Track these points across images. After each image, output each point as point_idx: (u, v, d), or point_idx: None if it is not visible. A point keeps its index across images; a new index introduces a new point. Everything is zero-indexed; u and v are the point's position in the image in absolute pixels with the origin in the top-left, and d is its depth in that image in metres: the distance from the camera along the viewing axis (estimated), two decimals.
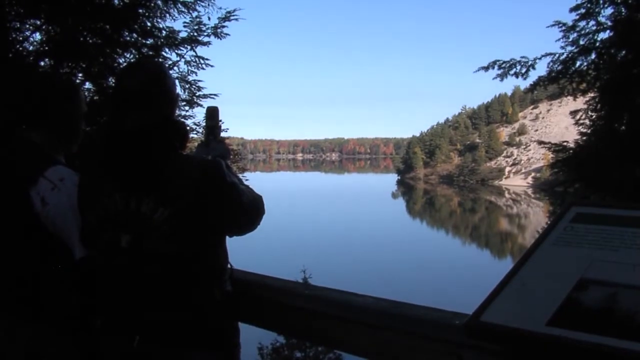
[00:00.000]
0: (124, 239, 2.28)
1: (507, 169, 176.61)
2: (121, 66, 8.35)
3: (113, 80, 7.90)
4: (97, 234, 2.35)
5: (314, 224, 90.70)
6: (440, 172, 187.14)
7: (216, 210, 2.31)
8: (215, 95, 10.16)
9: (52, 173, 2.56)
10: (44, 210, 2.49)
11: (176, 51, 9.40)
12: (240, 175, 2.62)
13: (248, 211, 2.44)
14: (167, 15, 9.17)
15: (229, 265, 2.53)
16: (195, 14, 9.42)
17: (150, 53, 8.76)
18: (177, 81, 9.60)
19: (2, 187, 2.60)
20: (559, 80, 13.15)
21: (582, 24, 12.37)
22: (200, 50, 9.65)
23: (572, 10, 12.29)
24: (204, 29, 9.51)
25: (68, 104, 2.82)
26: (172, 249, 2.25)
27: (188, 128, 2.51)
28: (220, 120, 2.98)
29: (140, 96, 2.34)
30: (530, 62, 13.54)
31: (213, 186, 2.29)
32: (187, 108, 9.82)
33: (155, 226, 2.24)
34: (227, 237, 2.49)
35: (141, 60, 4.35)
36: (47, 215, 2.50)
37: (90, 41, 8.25)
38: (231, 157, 2.90)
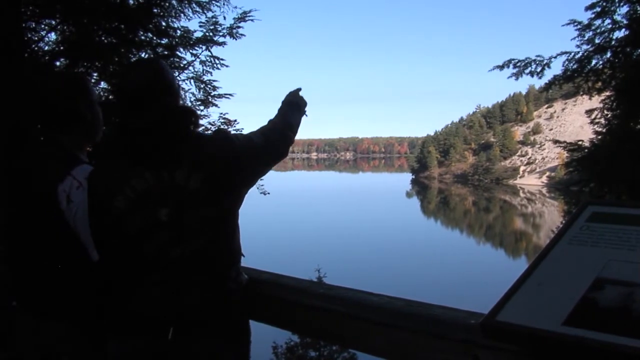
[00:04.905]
0: (162, 212, 2.31)
1: (522, 168, 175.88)
2: None
3: None
4: (128, 217, 2.34)
5: (329, 223, 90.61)
6: (454, 171, 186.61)
7: (245, 162, 2.47)
8: (230, 95, 10.14)
9: (79, 172, 2.59)
10: (68, 207, 2.52)
11: (191, 51, 9.42)
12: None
13: (268, 147, 2.65)
14: (182, 15, 9.18)
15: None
16: (210, 14, 9.43)
17: (165, 53, 8.78)
18: (192, 81, 9.65)
19: (32, 186, 2.64)
20: (575, 79, 13.11)
21: (597, 22, 12.35)
22: (215, 50, 9.67)
23: (587, 8, 12.26)
24: (219, 29, 9.52)
25: (97, 107, 2.88)
26: (212, 212, 2.34)
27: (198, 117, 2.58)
28: None
29: (147, 93, 2.40)
30: (545, 61, 13.50)
31: (233, 146, 2.45)
32: (202, 108, 9.82)
33: (192, 192, 2.30)
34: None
35: (138, 60, 4.56)
36: (70, 213, 2.52)
37: (106, 41, 8.27)
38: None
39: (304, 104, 3.08)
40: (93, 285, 2.59)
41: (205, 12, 9.40)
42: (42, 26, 8.02)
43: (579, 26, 12.58)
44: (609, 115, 12.51)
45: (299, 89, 3.11)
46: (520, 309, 1.58)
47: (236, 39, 9.78)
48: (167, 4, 8.81)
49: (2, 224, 2.86)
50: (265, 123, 2.85)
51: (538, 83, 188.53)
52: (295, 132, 2.90)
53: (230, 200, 2.43)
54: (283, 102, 3.00)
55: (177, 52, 9.17)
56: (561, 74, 13.12)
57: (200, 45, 9.47)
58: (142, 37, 8.71)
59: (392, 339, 2.11)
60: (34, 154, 2.79)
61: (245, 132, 3.04)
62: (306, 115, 3.08)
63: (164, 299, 2.30)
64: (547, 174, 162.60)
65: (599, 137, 12.85)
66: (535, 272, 1.72)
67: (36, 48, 7.86)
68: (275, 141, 2.71)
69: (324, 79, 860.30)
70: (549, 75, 13.53)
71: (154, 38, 8.84)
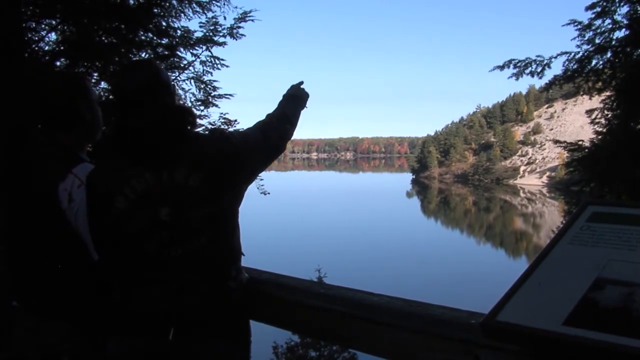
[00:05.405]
0: (162, 212, 2.31)
1: (522, 168, 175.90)
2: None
3: None
4: (128, 217, 2.33)
5: (329, 223, 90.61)
6: (455, 171, 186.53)
7: (243, 159, 2.49)
8: (230, 95, 10.08)
9: (81, 170, 2.59)
10: (69, 206, 2.52)
11: (191, 51, 9.39)
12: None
13: (266, 142, 2.66)
14: (182, 15, 9.15)
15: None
16: (210, 14, 9.40)
17: (165, 53, 8.76)
18: (192, 81, 9.64)
19: (32, 186, 2.64)
20: (575, 79, 13.09)
21: (597, 22, 12.33)
22: (215, 50, 9.64)
23: (587, 8, 12.24)
24: (219, 29, 9.49)
25: (97, 107, 2.88)
26: (212, 211, 2.35)
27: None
28: None
29: (147, 93, 2.41)
30: (545, 61, 13.47)
31: (230, 144, 2.46)
32: (202, 108, 9.78)
33: (192, 191, 2.31)
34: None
35: (137, 61, 4.60)
36: (71, 212, 2.52)
37: (106, 41, 8.26)
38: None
39: (306, 96, 3.06)
40: (93, 285, 2.59)
41: (206, 12, 9.36)
42: (42, 26, 7.99)
43: (579, 26, 12.56)
44: (609, 115, 12.48)
45: (301, 82, 3.10)
46: (520, 309, 1.58)
47: (236, 39, 9.73)
48: (167, 4, 8.79)
49: (2, 224, 2.86)
50: (264, 117, 2.84)
51: (538, 83, 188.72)
52: (294, 125, 2.89)
53: (230, 198, 2.44)
54: (284, 96, 2.99)
55: (178, 52, 9.14)
56: (561, 74, 13.09)
57: (201, 46, 9.44)
58: (142, 37, 8.68)
59: (393, 339, 2.11)
60: (34, 154, 2.79)
61: None
62: (306, 107, 3.07)
63: (164, 298, 2.30)
64: (548, 174, 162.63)
65: (599, 137, 12.83)
66: (536, 272, 1.71)
67: (36, 48, 7.84)
68: (273, 136, 2.70)
69: (324, 78, 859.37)
70: (549, 75, 13.51)
71: (154, 38, 8.81)
